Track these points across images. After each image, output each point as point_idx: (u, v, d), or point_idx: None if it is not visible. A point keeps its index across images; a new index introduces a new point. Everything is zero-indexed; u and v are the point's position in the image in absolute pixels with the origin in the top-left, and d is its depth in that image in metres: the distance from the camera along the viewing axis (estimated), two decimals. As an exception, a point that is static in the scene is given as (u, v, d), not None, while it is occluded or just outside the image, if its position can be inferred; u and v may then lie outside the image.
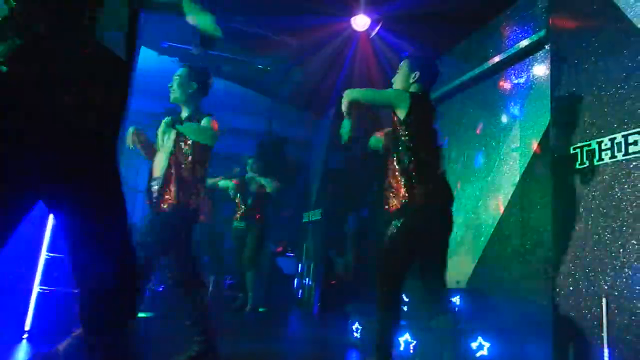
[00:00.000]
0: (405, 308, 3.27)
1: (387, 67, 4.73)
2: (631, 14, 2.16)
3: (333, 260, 5.59)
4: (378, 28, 4.13)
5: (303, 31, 4.27)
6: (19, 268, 2.79)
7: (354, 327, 3.41)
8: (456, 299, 3.22)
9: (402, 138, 2.16)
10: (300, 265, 6.17)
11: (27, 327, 2.67)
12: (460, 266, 3.76)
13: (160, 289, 5.31)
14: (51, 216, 2.81)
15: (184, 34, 4.61)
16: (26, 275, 2.76)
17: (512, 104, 3.47)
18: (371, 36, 4.25)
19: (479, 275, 3.52)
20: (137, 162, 6.80)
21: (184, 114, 2.41)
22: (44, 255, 2.76)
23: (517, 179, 3.28)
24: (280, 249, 6.48)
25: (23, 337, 2.65)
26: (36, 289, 2.70)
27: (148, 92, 5.28)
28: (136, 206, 7.29)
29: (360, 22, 4.12)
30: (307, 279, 5.82)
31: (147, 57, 4.43)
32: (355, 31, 4.20)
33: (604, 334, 2.00)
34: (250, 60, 5.19)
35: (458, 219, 3.88)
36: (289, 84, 5.47)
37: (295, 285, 6.19)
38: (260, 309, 5.16)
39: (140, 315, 4.01)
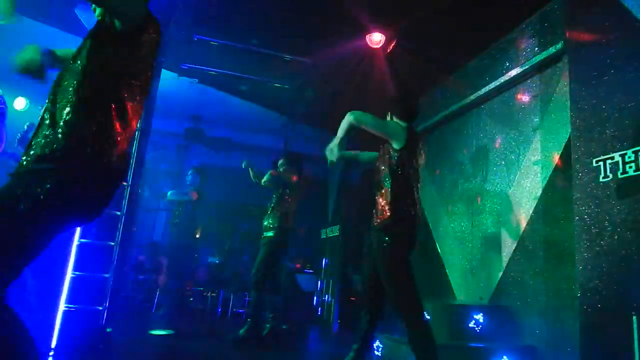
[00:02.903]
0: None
1: (403, 83, 4.76)
2: (650, 25, 2.14)
3: (350, 277, 5.55)
4: (393, 45, 4.17)
5: (319, 50, 4.34)
6: (45, 286, 2.86)
7: (375, 345, 3.36)
8: (479, 316, 3.15)
9: (393, 166, 2.51)
10: (319, 282, 6.14)
11: (53, 345, 2.72)
12: (482, 282, 3.69)
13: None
14: (77, 236, 2.88)
15: (203, 56, 4.75)
16: (52, 293, 2.82)
17: (531, 117, 3.44)
18: (386, 53, 4.29)
19: (502, 292, 3.44)
20: (155, 186, 6.95)
21: None
22: (69, 274, 2.82)
23: (539, 193, 3.22)
24: (298, 265, 6.47)
25: (49, 354, 2.70)
26: (62, 307, 2.76)
27: (168, 113, 5.43)
28: (156, 226, 7.43)
29: (375, 39, 4.17)
30: (326, 296, 5.78)
31: (166, 79, 4.56)
32: (370, 48, 4.25)
33: (635, 353, 1.93)
34: (266, 80, 5.30)
35: (478, 233, 3.84)
36: (304, 102, 5.54)
37: (314, 302, 6.15)
38: (283, 326, 5.13)
39: (160, 332, 4.04)
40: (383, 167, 2.57)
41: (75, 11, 3.52)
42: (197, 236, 5.86)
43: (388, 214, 2.43)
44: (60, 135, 1.22)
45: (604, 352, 2.12)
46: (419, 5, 3.58)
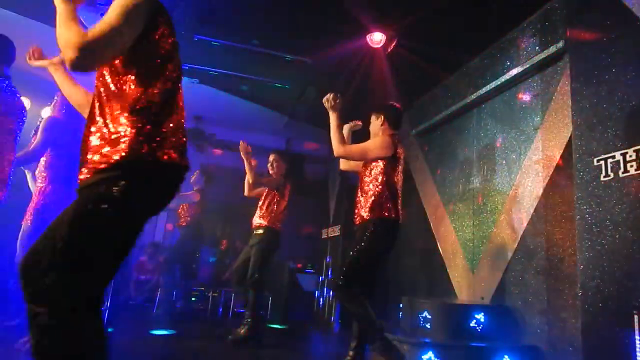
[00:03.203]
0: (428, 326, 3.21)
1: (403, 83, 4.76)
2: (651, 23, 2.14)
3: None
4: (394, 44, 4.17)
5: (319, 50, 4.34)
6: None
7: (375, 345, 3.36)
8: (480, 316, 3.14)
9: (379, 168, 2.83)
10: (320, 281, 6.14)
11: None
12: (484, 282, 3.69)
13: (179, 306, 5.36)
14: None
15: (204, 56, 4.75)
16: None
17: (532, 116, 3.43)
18: (387, 52, 4.28)
19: (503, 292, 3.43)
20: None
21: None
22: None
23: (540, 192, 3.22)
24: (299, 265, 6.47)
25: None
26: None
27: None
28: (158, 225, 7.44)
29: (376, 38, 4.16)
30: (327, 296, 5.78)
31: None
32: (371, 48, 4.24)
33: (637, 352, 1.92)
34: (267, 80, 5.30)
35: (479, 233, 3.84)
36: (305, 102, 5.54)
37: (315, 302, 6.15)
38: (280, 326, 5.13)
39: (161, 332, 4.04)
40: (372, 172, 2.85)
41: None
42: (203, 237, 5.86)
43: (376, 214, 2.74)
44: (116, 144, 1.23)
45: (605, 352, 2.11)
46: (420, 4, 3.58)
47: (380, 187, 2.80)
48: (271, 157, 4.36)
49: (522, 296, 3.23)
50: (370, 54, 4.36)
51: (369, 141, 2.99)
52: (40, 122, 3.16)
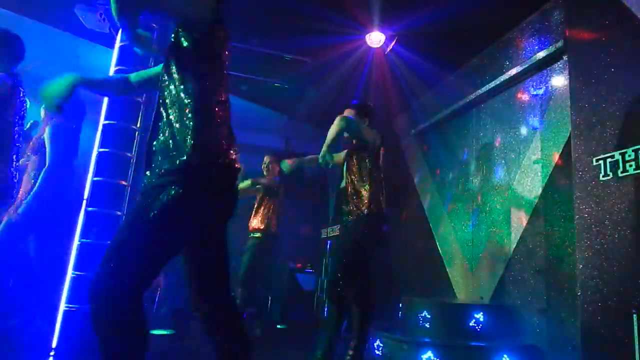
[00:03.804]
0: (427, 325, 3.22)
1: (403, 83, 4.77)
2: (650, 23, 2.14)
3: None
4: (393, 44, 4.17)
5: (318, 49, 4.34)
6: (45, 286, 2.86)
7: (375, 345, 3.36)
8: (480, 316, 3.15)
9: (366, 161, 2.85)
10: (319, 281, 6.13)
11: (53, 345, 2.73)
12: (483, 281, 3.69)
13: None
14: (77, 236, 2.88)
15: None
16: (53, 293, 2.83)
17: (531, 115, 3.44)
18: (386, 52, 4.29)
19: (503, 291, 3.44)
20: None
21: None
22: (70, 274, 2.82)
23: (540, 191, 3.22)
24: (299, 265, 6.47)
25: (50, 354, 2.70)
26: (63, 306, 2.76)
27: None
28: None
29: (375, 38, 4.17)
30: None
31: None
32: (370, 48, 4.25)
33: (636, 351, 1.92)
34: (266, 80, 5.29)
35: (478, 232, 3.84)
36: (305, 102, 5.54)
37: (314, 302, 6.14)
38: (280, 326, 5.12)
39: (161, 332, 4.04)
40: (356, 168, 2.87)
41: (75, 11, 3.52)
42: None
43: (363, 210, 2.75)
44: (181, 151, 1.28)
45: (604, 351, 2.12)
46: (419, 3, 3.58)
47: (369, 181, 2.81)
48: (266, 159, 4.41)
49: (521, 296, 3.23)
50: (370, 54, 4.37)
51: None
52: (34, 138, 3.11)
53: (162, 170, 1.28)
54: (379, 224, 2.80)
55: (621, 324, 2.03)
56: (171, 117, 1.33)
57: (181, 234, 1.27)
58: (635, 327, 1.94)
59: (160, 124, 1.35)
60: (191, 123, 1.30)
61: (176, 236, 1.26)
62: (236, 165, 1.39)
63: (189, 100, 1.32)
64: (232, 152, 1.39)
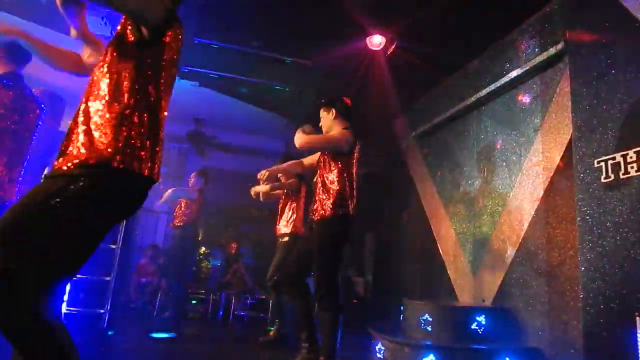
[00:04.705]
0: (429, 328, 3.21)
1: (403, 85, 4.77)
2: (651, 25, 2.14)
3: (352, 279, 5.54)
4: (393, 47, 4.17)
5: (319, 52, 4.35)
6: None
7: (377, 348, 3.35)
8: (482, 318, 3.14)
9: (340, 165, 2.77)
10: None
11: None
12: (485, 284, 3.68)
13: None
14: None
15: (203, 58, 4.76)
16: (53, 296, 2.82)
17: (532, 117, 3.43)
18: (387, 55, 4.29)
19: (504, 294, 3.43)
20: (157, 189, 6.96)
21: None
22: (70, 276, 2.81)
23: (541, 193, 3.22)
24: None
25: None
26: (63, 310, 2.76)
27: (169, 116, 5.43)
28: (158, 227, 7.43)
29: (376, 41, 4.17)
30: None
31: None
32: (370, 50, 4.25)
33: (639, 354, 1.91)
34: (267, 82, 5.30)
35: (480, 235, 3.83)
36: (305, 104, 5.55)
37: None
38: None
39: (161, 335, 4.03)
40: (333, 168, 2.78)
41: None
42: (199, 238, 5.83)
43: (334, 211, 2.68)
44: (93, 144, 1.23)
45: (607, 353, 2.10)
46: (419, 5, 3.58)
47: (342, 183, 2.73)
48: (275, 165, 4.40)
49: (523, 298, 3.22)
50: (370, 57, 4.37)
51: (332, 132, 2.92)
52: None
53: (71, 162, 1.24)
54: (343, 226, 2.72)
55: (624, 326, 2.02)
56: (91, 114, 1.29)
57: (85, 225, 1.24)
58: (638, 330, 1.93)
59: (80, 114, 1.33)
60: (102, 124, 1.27)
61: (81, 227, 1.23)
62: (150, 171, 1.35)
63: (105, 99, 1.28)
64: (147, 155, 1.34)
